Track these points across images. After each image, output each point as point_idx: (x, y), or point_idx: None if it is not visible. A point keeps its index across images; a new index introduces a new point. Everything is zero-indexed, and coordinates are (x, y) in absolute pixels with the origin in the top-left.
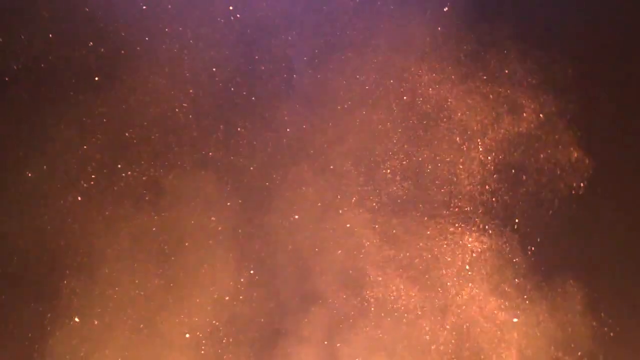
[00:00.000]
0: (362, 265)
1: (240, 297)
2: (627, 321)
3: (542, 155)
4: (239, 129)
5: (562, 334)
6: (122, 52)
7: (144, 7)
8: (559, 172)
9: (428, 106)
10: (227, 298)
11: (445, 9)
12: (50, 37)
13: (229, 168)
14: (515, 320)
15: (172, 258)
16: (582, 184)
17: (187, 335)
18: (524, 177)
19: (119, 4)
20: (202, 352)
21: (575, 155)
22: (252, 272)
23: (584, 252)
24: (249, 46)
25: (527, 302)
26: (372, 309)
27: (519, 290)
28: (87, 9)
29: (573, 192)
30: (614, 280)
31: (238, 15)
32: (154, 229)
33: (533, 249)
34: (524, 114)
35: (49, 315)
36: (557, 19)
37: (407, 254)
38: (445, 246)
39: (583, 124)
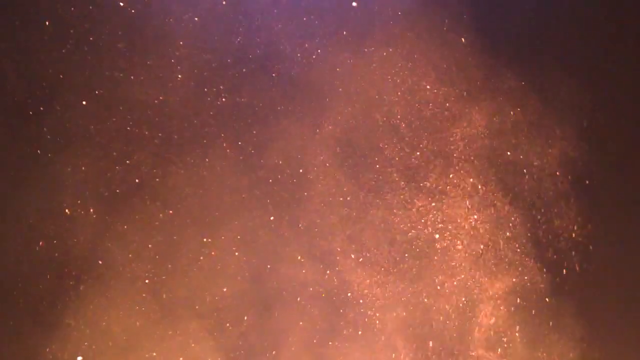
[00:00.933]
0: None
1: (244, 295)
2: None
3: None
4: (241, 131)
5: None
6: (117, 49)
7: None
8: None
9: (425, 109)
10: (225, 289)
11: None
12: (46, 41)
13: (230, 169)
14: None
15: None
16: (577, 267)
17: (192, 345)
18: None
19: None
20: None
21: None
22: (255, 269)
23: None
24: (246, 45)
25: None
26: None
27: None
28: (73, 9)
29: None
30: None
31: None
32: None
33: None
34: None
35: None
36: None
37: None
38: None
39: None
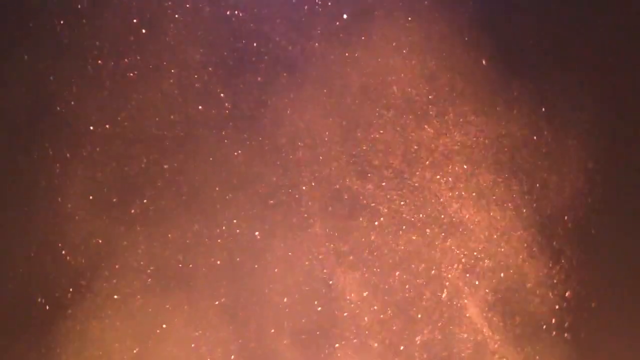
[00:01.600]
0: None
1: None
2: None
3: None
4: (244, 131)
5: None
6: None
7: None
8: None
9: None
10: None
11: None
12: (47, 43)
13: (233, 171)
14: None
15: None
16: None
17: (192, 345)
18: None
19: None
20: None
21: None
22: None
23: None
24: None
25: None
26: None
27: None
28: (79, 14)
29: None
30: None
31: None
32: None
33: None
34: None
35: None
36: None
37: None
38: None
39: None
